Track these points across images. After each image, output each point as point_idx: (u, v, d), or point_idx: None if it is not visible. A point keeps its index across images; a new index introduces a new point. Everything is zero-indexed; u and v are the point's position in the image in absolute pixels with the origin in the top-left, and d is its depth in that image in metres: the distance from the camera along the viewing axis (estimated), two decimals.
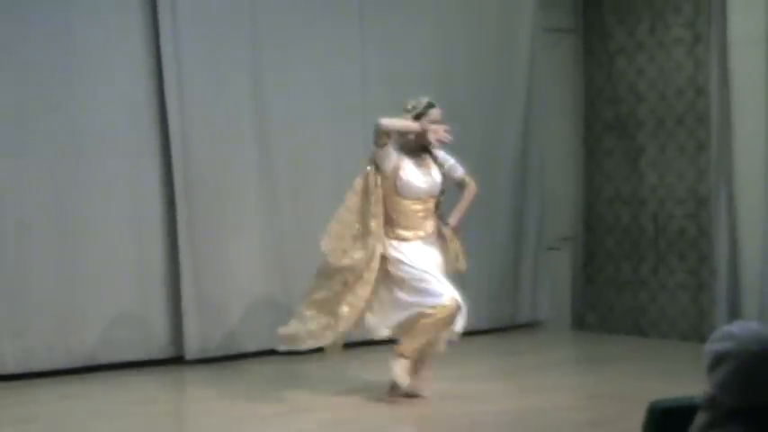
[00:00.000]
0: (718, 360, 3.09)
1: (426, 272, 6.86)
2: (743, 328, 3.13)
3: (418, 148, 7.12)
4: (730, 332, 3.14)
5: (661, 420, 3.76)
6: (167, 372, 8.50)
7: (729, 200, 9.17)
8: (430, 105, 7.14)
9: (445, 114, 9.43)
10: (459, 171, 7.25)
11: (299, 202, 9.11)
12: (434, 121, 7.10)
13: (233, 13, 8.87)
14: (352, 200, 7.07)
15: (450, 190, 7.25)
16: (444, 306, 6.72)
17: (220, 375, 8.31)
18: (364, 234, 6.95)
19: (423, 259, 6.93)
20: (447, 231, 7.08)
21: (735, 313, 9.05)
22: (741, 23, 9.09)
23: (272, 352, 8.89)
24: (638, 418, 3.81)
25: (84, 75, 8.35)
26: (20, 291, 8.13)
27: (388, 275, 6.97)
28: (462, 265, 7.15)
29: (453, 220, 7.13)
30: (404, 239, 6.99)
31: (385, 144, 6.99)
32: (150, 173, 8.64)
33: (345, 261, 6.95)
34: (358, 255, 6.93)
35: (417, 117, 7.09)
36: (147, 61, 8.61)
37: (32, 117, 8.16)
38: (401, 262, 6.92)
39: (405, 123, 7.07)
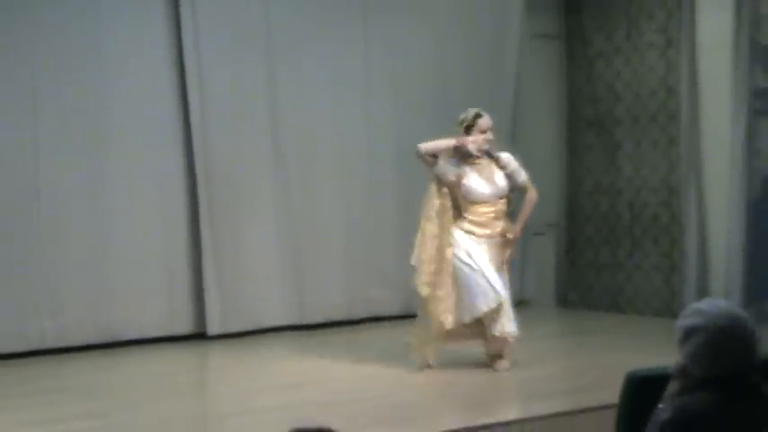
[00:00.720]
0: (688, 334, 3.11)
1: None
2: (711, 305, 3.15)
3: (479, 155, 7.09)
4: (699, 308, 3.16)
5: (637, 388, 3.78)
6: (190, 346, 8.52)
7: (698, 189, 9.17)
8: (477, 116, 7.05)
9: (442, 113, 9.52)
10: (522, 176, 7.16)
11: (307, 190, 9.14)
12: (484, 130, 7.01)
13: (249, 14, 8.87)
14: (426, 226, 7.10)
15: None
16: None
17: (239, 349, 8.33)
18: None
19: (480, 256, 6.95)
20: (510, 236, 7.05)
21: (703, 292, 9.04)
22: (709, 29, 9.08)
23: (286, 327, 8.98)
24: (616, 385, 3.83)
25: (110, 73, 8.36)
26: (57, 274, 8.16)
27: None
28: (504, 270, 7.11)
29: (516, 229, 7.10)
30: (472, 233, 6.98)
31: (434, 164, 6.98)
32: (173, 163, 8.67)
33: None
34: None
35: (468, 128, 7.02)
36: (169, 59, 8.62)
37: (65, 117, 8.19)
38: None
39: (439, 144, 7.02)
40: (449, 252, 6.95)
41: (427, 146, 7.01)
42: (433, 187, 7.09)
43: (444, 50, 9.70)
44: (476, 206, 6.98)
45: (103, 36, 8.32)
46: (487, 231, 6.97)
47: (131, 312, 8.43)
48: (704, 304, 3.16)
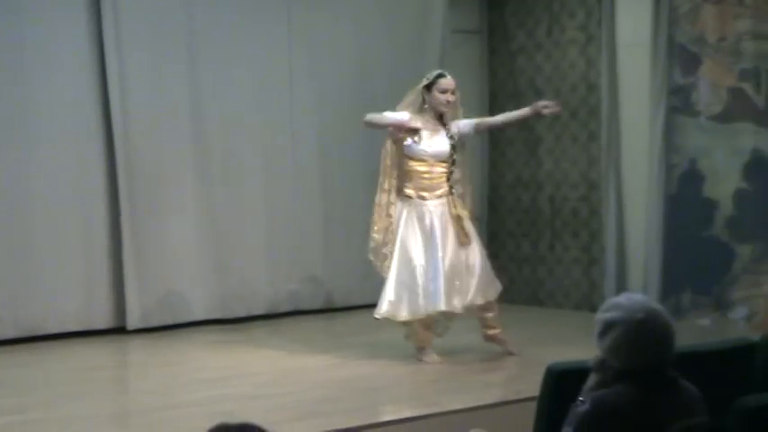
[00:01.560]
0: (607, 328, 3.17)
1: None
2: (629, 299, 3.21)
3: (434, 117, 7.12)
4: (618, 303, 3.22)
5: (558, 381, 3.85)
6: (110, 341, 8.42)
7: (617, 184, 9.30)
8: (439, 76, 7.09)
9: (365, 106, 9.51)
10: (469, 127, 7.28)
11: (230, 184, 9.10)
12: (444, 90, 7.03)
13: (171, 10, 8.79)
14: (382, 197, 7.20)
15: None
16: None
17: (160, 344, 8.25)
18: None
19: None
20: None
21: (622, 286, 9.18)
22: (628, 27, 9.21)
23: (208, 321, 8.93)
24: (536, 378, 3.88)
25: (32, 67, 8.21)
26: None
27: None
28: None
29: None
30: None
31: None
32: (94, 159, 8.54)
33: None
34: None
35: (429, 87, 7.04)
36: (90, 53, 8.49)
37: None
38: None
39: (382, 120, 7.07)
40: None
41: (371, 119, 7.06)
42: (388, 145, 7.15)
43: (367, 44, 9.71)
44: (414, 164, 6.98)
45: (25, 33, 8.17)
46: (425, 195, 6.98)
47: (51, 307, 8.31)
48: (622, 298, 3.22)
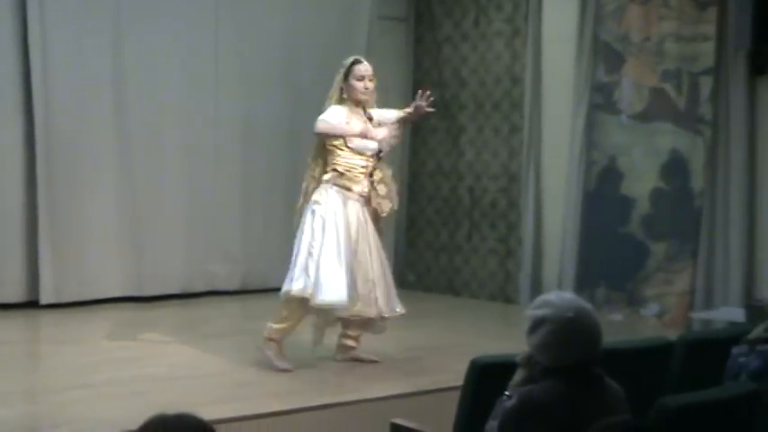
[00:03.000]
0: (537, 324, 3.18)
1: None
2: (560, 297, 3.24)
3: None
4: (548, 300, 3.24)
5: (482, 374, 3.87)
6: (22, 315, 8.29)
7: (537, 178, 9.40)
8: (355, 62, 6.60)
9: (290, 89, 9.45)
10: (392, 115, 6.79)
11: (151, 162, 9.01)
12: (361, 77, 6.55)
13: None
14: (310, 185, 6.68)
15: None
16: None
17: (74, 320, 8.13)
18: None
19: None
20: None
21: (537, 278, 9.30)
22: (554, 22, 9.31)
23: (122, 299, 8.82)
24: (453, 368, 3.89)
25: None
26: None
27: None
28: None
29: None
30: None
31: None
32: (13, 129, 8.41)
33: None
34: None
35: (345, 76, 6.57)
36: (12, 26, 8.34)
37: None
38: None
39: (335, 131, 6.51)
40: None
41: (324, 130, 6.51)
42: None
43: (294, 27, 9.66)
44: (352, 156, 6.54)
45: None
46: (358, 188, 6.53)
47: None
48: (553, 296, 3.24)
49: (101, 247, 8.73)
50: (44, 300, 8.44)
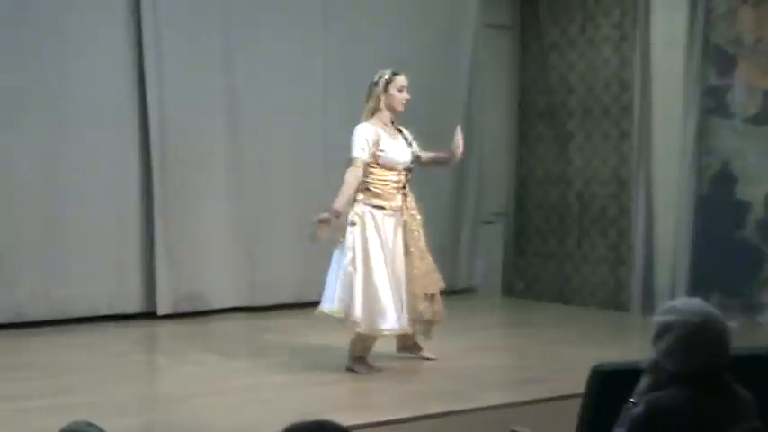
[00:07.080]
0: (663, 330, 3.15)
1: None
2: (685, 303, 3.20)
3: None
4: (674, 305, 3.21)
5: (603, 381, 3.83)
6: (141, 325, 8.46)
7: (647, 184, 9.29)
8: (395, 73, 6.64)
9: None
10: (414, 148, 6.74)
11: (263, 174, 9.12)
12: (402, 88, 6.59)
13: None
14: None
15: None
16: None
17: (190, 330, 8.28)
18: None
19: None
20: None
21: (649, 285, 9.19)
22: (663, 26, 9.20)
23: (235, 309, 8.95)
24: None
25: (69, 52, 8.27)
26: (11, 250, 8.08)
27: None
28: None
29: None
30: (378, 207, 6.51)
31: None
32: (130, 143, 8.61)
33: None
34: None
35: (386, 86, 6.58)
36: (128, 40, 8.54)
37: (26, 94, 8.10)
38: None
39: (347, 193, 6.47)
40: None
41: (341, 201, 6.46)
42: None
43: (400, 39, 9.68)
44: (384, 173, 6.53)
45: (62, 15, 8.22)
46: (392, 204, 6.52)
47: (83, 290, 8.36)
48: (679, 302, 3.21)
49: (215, 259, 8.87)
50: (161, 311, 8.61)
